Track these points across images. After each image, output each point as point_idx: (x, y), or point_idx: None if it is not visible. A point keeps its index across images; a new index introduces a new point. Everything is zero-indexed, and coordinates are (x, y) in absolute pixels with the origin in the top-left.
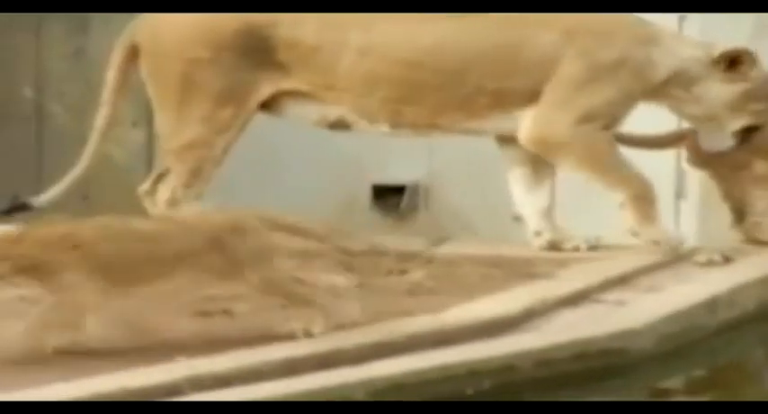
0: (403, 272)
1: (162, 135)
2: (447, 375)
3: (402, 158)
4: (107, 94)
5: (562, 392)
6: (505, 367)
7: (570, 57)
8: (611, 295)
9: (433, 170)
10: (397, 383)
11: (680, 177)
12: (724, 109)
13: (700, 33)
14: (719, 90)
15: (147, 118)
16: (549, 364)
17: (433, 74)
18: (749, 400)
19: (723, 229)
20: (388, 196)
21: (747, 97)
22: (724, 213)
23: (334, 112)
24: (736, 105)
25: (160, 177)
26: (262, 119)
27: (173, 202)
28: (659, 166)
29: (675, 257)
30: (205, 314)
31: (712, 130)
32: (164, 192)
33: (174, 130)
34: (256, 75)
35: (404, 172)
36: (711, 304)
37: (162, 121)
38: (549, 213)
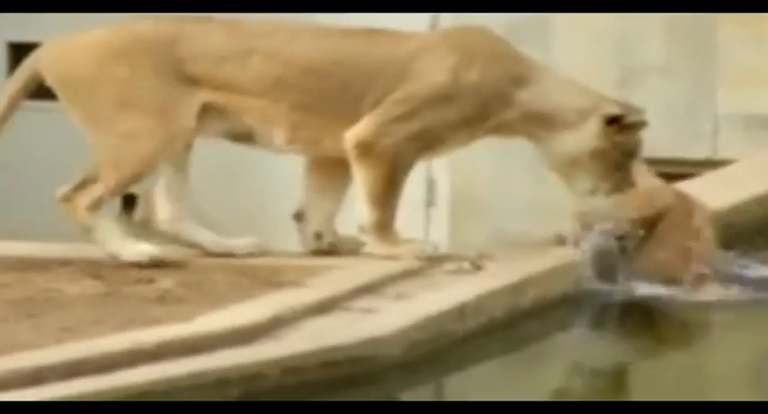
0: (151, 280)
1: (99, 148)
2: (196, 383)
3: None
4: None
5: (311, 400)
6: (253, 375)
7: (441, 69)
8: (360, 303)
9: None
10: (146, 391)
11: (430, 185)
12: (577, 161)
13: None
14: (582, 141)
15: None
16: (297, 372)
17: (334, 83)
18: None
19: (473, 237)
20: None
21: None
22: (473, 222)
23: (241, 123)
24: (589, 163)
25: (84, 184)
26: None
27: (94, 208)
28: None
29: (425, 266)
30: None
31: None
32: (86, 198)
33: (118, 145)
34: (180, 88)
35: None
36: (460, 312)
37: (99, 138)
38: (333, 218)
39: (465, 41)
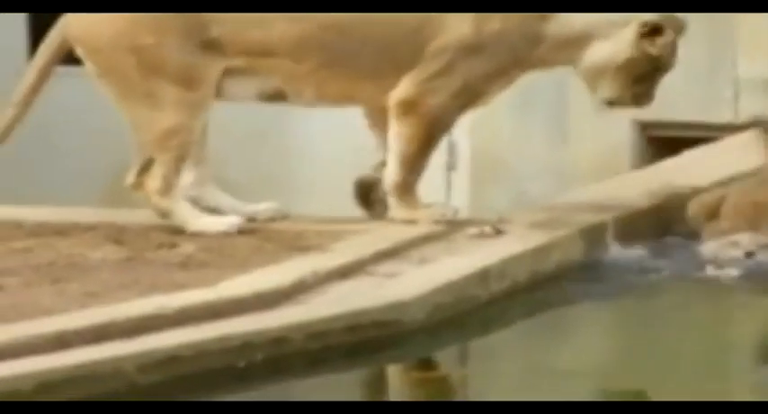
0: (174, 245)
1: (135, 126)
2: (221, 348)
3: None
4: (22, 93)
5: (336, 364)
6: (278, 339)
7: (463, 23)
8: (383, 267)
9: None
10: (171, 356)
11: (451, 150)
12: (606, 69)
13: None
14: (616, 50)
15: None
16: (322, 336)
17: (356, 39)
18: None
19: (495, 201)
20: None
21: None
22: (494, 186)
23: (270, 83)
24: (618, 72)
25: (144, 169)
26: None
27: (166, 191)
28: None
29: (447, 230)
30: None
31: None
32: (153, 183)
33: (149, 119)
34: (203, 54)
35: None
36: (483, 275)
37: (131, 113)
38: None
39: None
